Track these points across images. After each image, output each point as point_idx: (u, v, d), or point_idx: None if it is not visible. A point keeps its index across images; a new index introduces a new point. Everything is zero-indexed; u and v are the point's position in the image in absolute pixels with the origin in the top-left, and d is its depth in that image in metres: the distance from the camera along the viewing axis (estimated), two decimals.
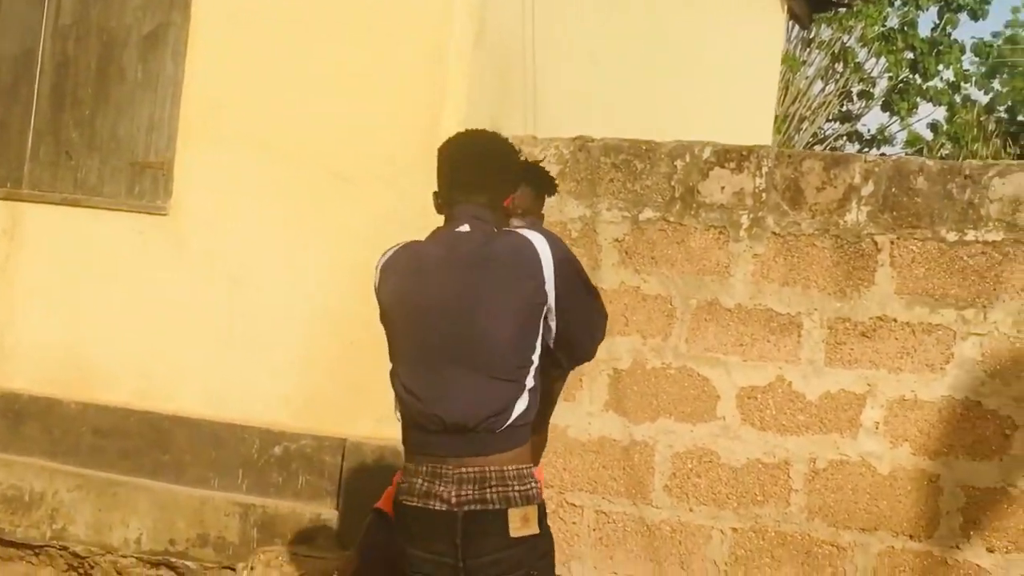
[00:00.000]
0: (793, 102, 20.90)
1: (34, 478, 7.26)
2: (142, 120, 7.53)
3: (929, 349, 6.05)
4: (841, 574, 6.15)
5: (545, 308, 3.85)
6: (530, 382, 3.82)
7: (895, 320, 6.11)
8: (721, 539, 6.34)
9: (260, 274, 7.11)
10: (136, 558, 7.03)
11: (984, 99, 25.71)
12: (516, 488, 3.76)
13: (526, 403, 3.80)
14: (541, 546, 3.84)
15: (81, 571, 7.17)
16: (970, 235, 6.01)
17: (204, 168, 7.30)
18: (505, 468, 3.75)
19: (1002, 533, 5.93)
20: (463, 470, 3.72)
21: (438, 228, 4.01)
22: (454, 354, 3.76)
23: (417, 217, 6.71)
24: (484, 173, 4.03)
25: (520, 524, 3.74)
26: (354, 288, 6.81)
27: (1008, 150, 22.47)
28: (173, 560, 6.97)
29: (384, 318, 3.94)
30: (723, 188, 6.44)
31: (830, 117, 23.44)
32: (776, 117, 16.46)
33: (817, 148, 21.40)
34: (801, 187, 6.30)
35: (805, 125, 21.85)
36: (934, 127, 25.23)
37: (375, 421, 6.77)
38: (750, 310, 6.33)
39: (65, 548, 7.17)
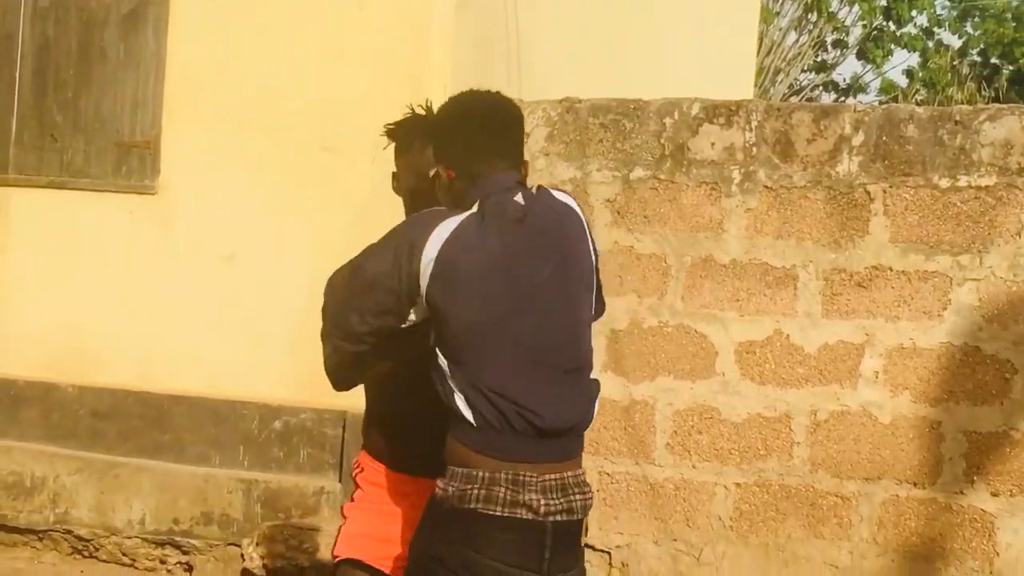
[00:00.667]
0: (768, 54, 20.82)
1: (34, 463, 7.26)
2: (126, 100, 7.50)
3: (926, 296, 6.05)
4: (846, 524, 6.16)
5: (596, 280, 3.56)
6: (593, 376, 3.52)
7: (891, 269, 6.10)
8: (725, 495, 6.35)
9: (252, 248, 7.11)
10: (140, 539, 7.04)
11: (957, 43, 25.78)
12: (589, 494, 3.47)
13: (598, 401, 3.52)
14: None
15: (86, 554, 7.17)
16: (963, 180, 6.00)
17: (191, 145, 7.28)
18: (578, 473, 3.45)
19: (1006, 477, 5.94)
20: (547, 477, 3.35)
21: (483, 202, 3.42)
22: (552, 353, 3.38)
23: None
24: (514, 137, 3.58)
25: (585, 532, 3.52)
26: (345, 259, 6.80)
27: (982, 93, 22.49)
28: (178, 539, 6.98)
29: (447, 316, 3.34)
30: (713, 144, 6.42)
31: (805, 68, 23.39)
32: None
33: (793, 100, 21.34)
34: (791, 139, 6.28)
35: (781, 77, 21.80)
36: (909, 73, 25.27)
37: None
38: (745, 265, 6.32)
39: (69, 532, 7.17)
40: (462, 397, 3.33)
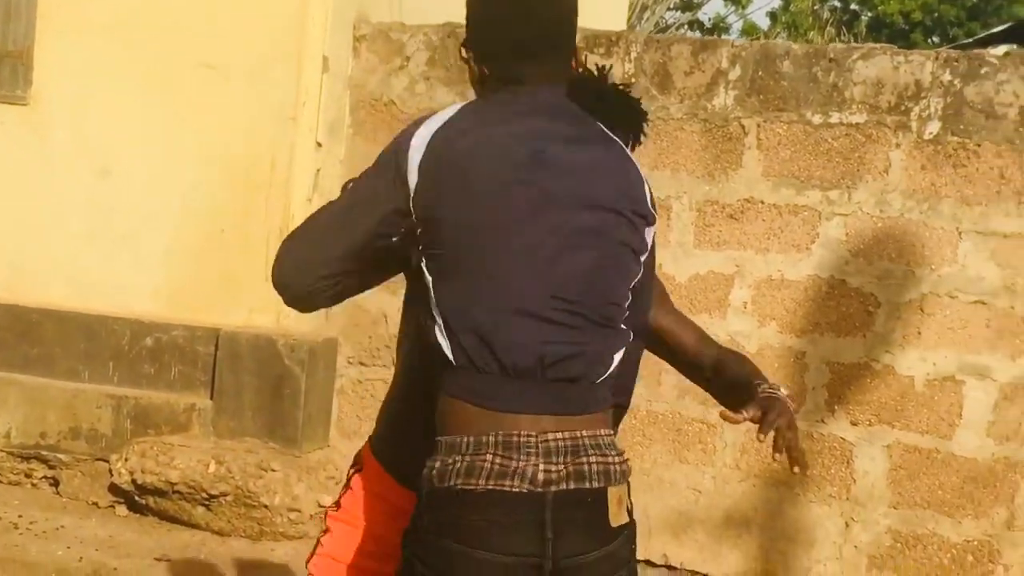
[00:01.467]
0: None
1: None
2: None
3: (795, 230, 6.19)
4: (711, 450, 6.31)
5: (643, 255, 2.85)
6: (625, 327, 2.81)
7: (762, 202, 6.23)
8: None
9: (126, 164, 7.01)
10: (6, 452, 6.96)
11: None
12: (615, 459, 2.74)
13: (622, 353, 2.80)
14: (633, 536, 2.84)
15: None
16: (834, 117, 6.13)
17: (65, 57, 7.14)
18: (599, 434, 2.73)
19: (865, 407, 6.12)
20: (551, 436, 2.66)
21: (501, 99, 2.82)
22: (566, 288, 2.68)
23: (288, 105, 6.72)
24: (566, 29, 2.86)
25: (617, 508, 2.73)
26: (223, 177, 6.79)
27: (842, 38, 22.96)
28: (44, 453, 6.91)
29: (438, 216, 2.70)
30: None
31: (671, 6, 23.59)
32: None
33: None
34: (670, 72, 6.36)
35: (647, 15, 21.93)
36: (772, 16, 25.75)
37: (248, 311, 6.78)
38: None
39: None
40: (442, 325, 2.71)
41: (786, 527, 6.24)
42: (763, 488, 6.27)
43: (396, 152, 2.74)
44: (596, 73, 2.95)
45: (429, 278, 2.71)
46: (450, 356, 2.69)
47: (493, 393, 2.67)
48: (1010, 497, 6.00)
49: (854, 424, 6.13)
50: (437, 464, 2.69)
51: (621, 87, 2.97)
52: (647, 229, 2.83)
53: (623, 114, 2.96)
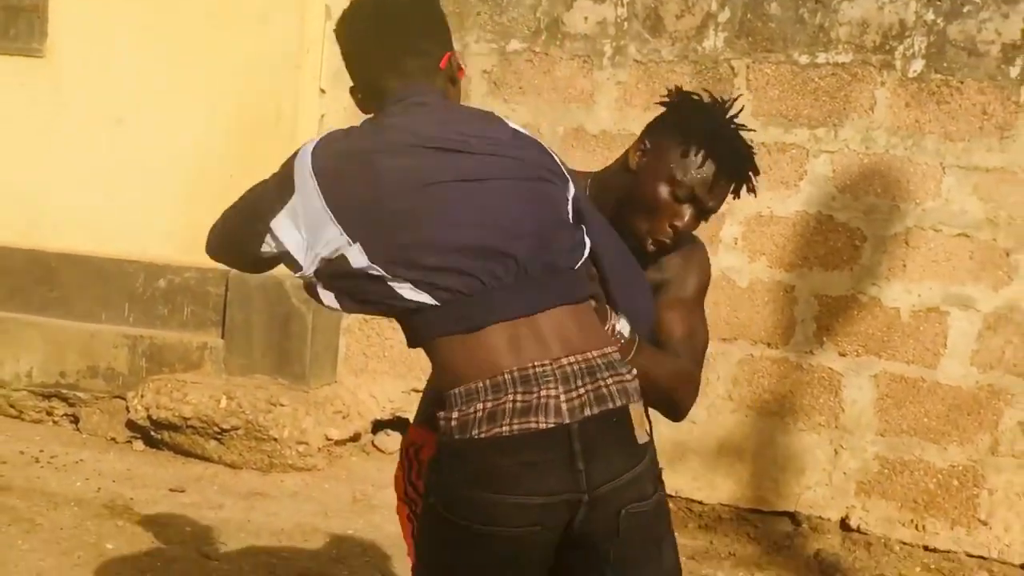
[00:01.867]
0: None
1: None
2: None
3: (784, 167, 6.35)
4: (704, 382, 6.43)
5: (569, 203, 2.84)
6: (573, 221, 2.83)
7: (751, 140, 6.37)
8: None
9: (140, 113, 7.21)
10: (28, 391, 7.21)
11: None
12: (629, 377, 2.69)
13: (587, 248, 2.81)
14: (656, 459, 2.78)
15: None
16: (821, 57, 6.29)
17: (79, 9, 7.33)
18: (608, 352, 2.68)
19: (852, 338, 6.30)
20: (565, 361, 2.60)
21: (383, 111, 2.82)
22: (484, 213, 2.67)
23: (292, 53, 6.89)
24: (422, 33, 2.88)
25: (639, 425, 2.68)
26: (231, 124, 6.98)
27: None
28: (64, 391, 7.17)
29: (357, 211, 2.64)
30: (586, 18, 6.65)
31: None
32: None
33: None
34: (661, 15, 6.53)
35: None
36: None
37: None
38: (614, 135, 6.58)
39: None
40: (407, 285, 2.62)
41: (777, 455, 6.44)
42: (755, 418, 6.46)
43: (287, 170, 2.73)
44: (712, 106, 3.10)
45: (368, 261, 2.63)
46: (431, 301, 2.61)
47: (484, 305, 2.60)
48: (994, 424, 6.17)
49: (842, 355, 6.31)
50: (455, 415, 2.58)
51: (735, 127, 3.11)
52: (567, 186, 2.84)
53: (729, 159, 3.12)
